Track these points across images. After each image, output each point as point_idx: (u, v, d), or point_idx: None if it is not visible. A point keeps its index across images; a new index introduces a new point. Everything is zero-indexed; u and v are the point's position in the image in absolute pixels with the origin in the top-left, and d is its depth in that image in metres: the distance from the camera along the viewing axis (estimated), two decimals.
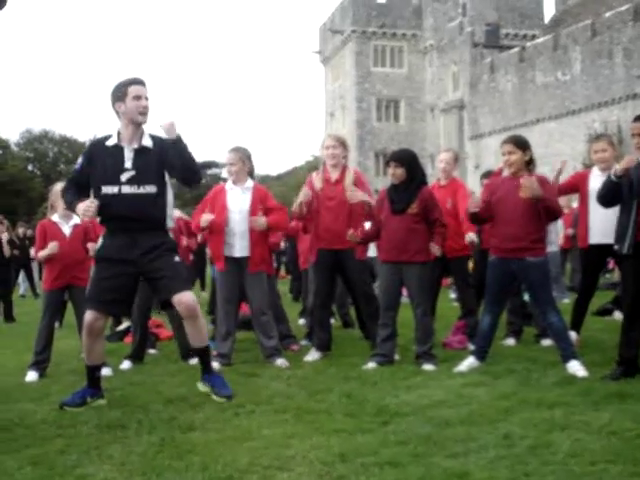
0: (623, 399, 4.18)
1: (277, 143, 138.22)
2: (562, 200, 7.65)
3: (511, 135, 5.67)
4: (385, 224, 5.70)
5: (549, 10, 53.47)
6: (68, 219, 6.07)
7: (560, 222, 9.11)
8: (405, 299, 5.92)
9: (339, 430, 3.75)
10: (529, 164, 5.32)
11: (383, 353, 5.65)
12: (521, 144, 5.31)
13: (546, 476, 2.97)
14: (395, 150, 6.09)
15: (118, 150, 4.54)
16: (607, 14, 33.64)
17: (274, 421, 4.01)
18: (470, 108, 43.29)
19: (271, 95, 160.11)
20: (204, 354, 4.73)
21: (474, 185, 26.47)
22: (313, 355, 6.12)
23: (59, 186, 6.20)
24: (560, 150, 35.87)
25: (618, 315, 7.58)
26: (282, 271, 17.00)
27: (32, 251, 10.82)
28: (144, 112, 4.51)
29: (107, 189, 4.49)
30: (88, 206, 4.39)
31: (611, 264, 11.45)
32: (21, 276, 16.69)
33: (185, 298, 4.45)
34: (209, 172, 61.07)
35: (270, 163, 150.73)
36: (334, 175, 6.09)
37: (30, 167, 64.06)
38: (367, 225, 6.07)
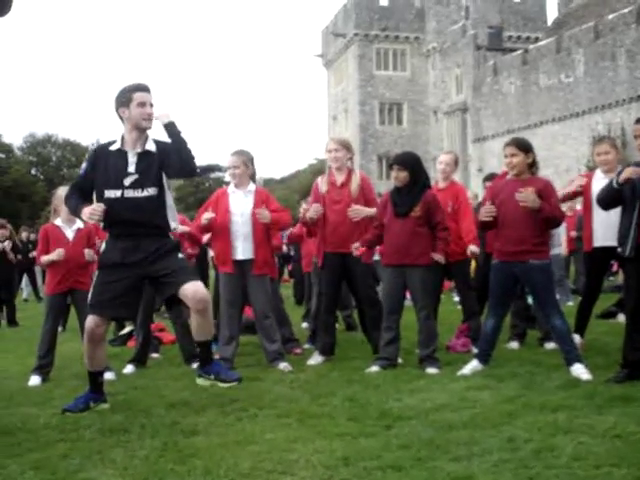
0: (627, 402, 4.16)
1: (280, 147, 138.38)
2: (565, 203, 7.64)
3: (513, 137, 5.67)
4: (388, 227, 5.69)
5: (552, 12, 53.50)
6: (71, 223, 6.08)
7: (563, 225, 9.09)
8: (408, 302, 5.91)
9: (342, 434, 3.74)
10: (532, 166, 5.31)
11: (386, 357, 5.64)
12: (523, 146, 5.30)
13: None
14: (398, 153, 6.09)
15: (122, 154, 4.54)
16: (610, 16, 33.64)
17: (277, 425, 4.00)
18: (473, 111, 43.29)
19: (274, 99, 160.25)
20: (205, 347, 4.63)
21: (477, 188, 26.47)
22: (316, 359, 6.11)
23: (62, 190, 6.21)
24: (564, 153, 35.90)
25: (622, 318, 7.56)
26: (285, 275, 16.99)
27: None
28: (148, 119, 4.50)
29: (110, 193, 4.48)
30: (94, 210, 4.38)
31: (615, 267, 11.42)
32: (24, 280, 16.70)
33: (195, 288, 4.37)
34: (212, 176, 61.14)
35: (273, 167, 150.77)
36: (340, 178, 6.09)
37: (33, 171, 64.21)
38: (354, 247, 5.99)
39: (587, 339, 6.18)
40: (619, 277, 11.97)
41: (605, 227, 5.78)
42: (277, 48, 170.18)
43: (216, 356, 5.69)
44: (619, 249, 5.02)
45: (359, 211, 5.91)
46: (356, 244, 5.79)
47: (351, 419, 4.06)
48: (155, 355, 6.85)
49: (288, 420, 4.10)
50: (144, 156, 4.52)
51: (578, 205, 9.61)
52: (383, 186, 35.33)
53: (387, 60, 48.55)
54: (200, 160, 4.57)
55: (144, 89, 4.52)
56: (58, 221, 6.09)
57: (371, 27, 47.89)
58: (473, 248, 6.36)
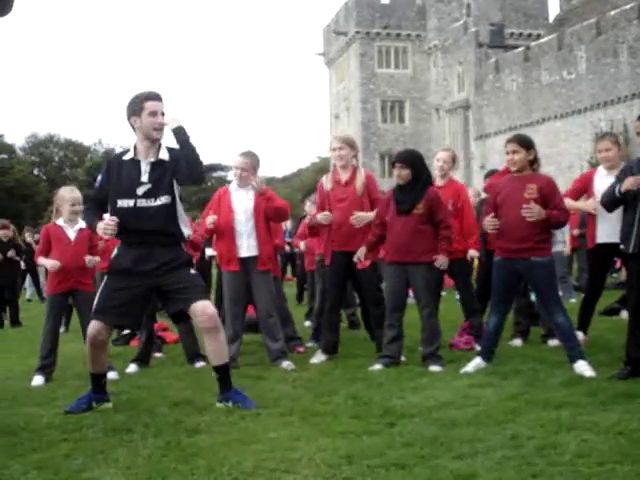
0: (631, 399, 4.15)
1: (282, 145, 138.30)
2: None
3: (515, 134, 5.65)
4: (391, 225, 5.68)
5: (554, 9, 53.48)
6: (73, 223, 6.07)
7: None
8: (411, 300, 5.90)
9: (345, 432, 3.74)
10: (533, 163, 5.30)
11: (389, 354, 5.63)
12: (525, 143, 5.29)
13: (554, 477, 2.95)
14: (400, 151, 6.09)
15: (135, 164, 4.50)
16: (612, 12, 33.61)
17: (280, 424, 4.00)
18: (475, 108, 43.27)
19: (275, 97, 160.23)
20: (224, 372, 4.50)
21: (480, 185, 26.43)
22: (319, 357, 6.11)
23: (64, 190, 6.22)
24: (566, 149, 35.87)
25: (625, 315, 7.54)
26: (288, 273, 16.99)
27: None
28: (160, 128, 4.46)
29: (123, 203, 4.44)
30: (107, 224, 4.35)
31: (618, 263, 11.41)
32: (27, 281, 16.72)
33: (204, 306, 4.35)
34: (214, 175, 61.18)
35: (275, 165, 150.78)
36: (344, 176, 6.09)
37: (36, 171, 64.36)
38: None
39: (590, 336, 6.18)
40: (622, 274, 11.95)
41: (608, 224, 5.77)
42: (278, 47, 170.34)
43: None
44: (622, 246, 5.02)
45: (362, 218, 5.91)
46: (359, 255, 5.77)
47: (354, 417, 4.06)
48: (158, 354, 6.85)
49: (291, 418, 4.10)
50: (157, 165, 4.49)
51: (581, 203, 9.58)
52: (385, 184, 35.26)
53: (389, 58, 48.51)
54: (202, 159, 4.55)
55: (155, 98, 4.47)
56: (60, 221, 6.09)
57: (372, 25, 47.86)
58: (473, 252, 6.55)
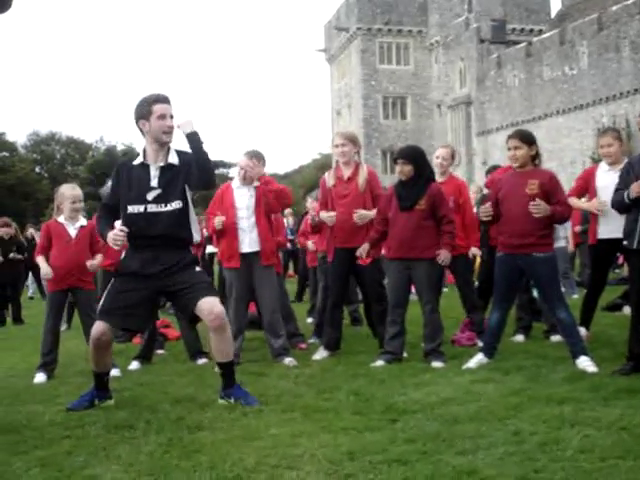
0: (633, 394, 4.15)
1: (283, 142, 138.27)
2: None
3: (516, 130, 5.64)
4: (393, 221, 5.67)
5: (555, 4, 53.41)
6: (74, 221, 6.06)
7: None
8: (414, 296, 5.90)
9: (347, 428, 3.74)
10: (535, 159, 5.29)
11: (391, 351, 5.63)
12: (527, 139, 5.28)
13: (556, 472, 2.95)
14: (402, 147, 6.09)
15: (144, 168, 4.47)
16: (614, 8, 33.53)
17: (282, 420, 4.00)
18: (477, 104, 43.20)
19: (277, 94, 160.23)
20: (229, 369, 4.51)
21: (482, 181, 26.39)
22: (321, 353, 6.11)
23: (65, 187, 6.22)
24: (568, 145, 35.83)
25: (628, 310, 7.53)
26: (290, 270, 16.99)
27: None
28: (169, 132, 4.42)
29: (133, 208, 4.42)
30: (116, 235, 4.33)
31: (621, 259, 11.39)
32: (29, 278, 16.74)
33: (211, 304, 4.33)
34: (216, 172, 61.15)
35: (277, 162, 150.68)
36: (347, 173, 6.09)
37: (37, 169, 64.43)
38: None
39: (593, 331, 6.17)
40: (624, 269, 11.94)
41: (610, 220, 5.76)
42: (280, 43, 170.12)
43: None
44: (625, 242, 5.00)
45: (364, 215, 5.90)
46: (362, 251, 5.77)
47: (356, 413, 4.06)
48: (160, 351, 6.85)
49: (293, 415, 4.10)
50: (167, 170, 4.45)
51: (584, 199, 9.56)
52: (387, 180, 35.29)
53: (390, 54, 48.44)
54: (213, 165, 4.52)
55: (164, 100, 4.43)
56: (61, 218, 6.08)
57: (374, 21, 47.79)
58: (475, 250, 6.61)
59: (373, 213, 5.91)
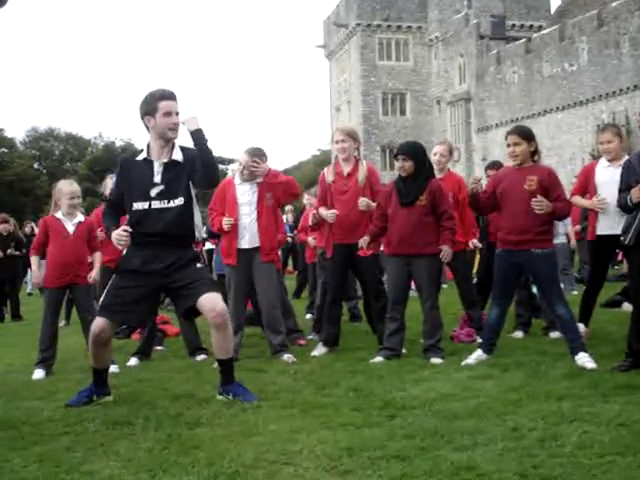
0: (632, 391, 4.14)
1: (283, 138, 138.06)
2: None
3: (515, 126, 5.64)
4: (393, 217, 5.67)
5: (555, 1, 53.39)
6: (72, 217, 6.05)
7: None
8: (413, 293, 5.90)
9: (346, 424, 3.73)
10: (534, 155, 5.28)
11: (390, 347, 5.62)
12: (526, 135, 5.27)
13: (554, 468, 2.95)
14: (403, 143, 6.07)
15: (147, 164, 4.46)
16: (613, 4, 33.51)
17: (281, 416, 4.00)
18: (477, 100, 43.19)
19: (276, 90, 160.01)
20: (228, 365, 4.51)
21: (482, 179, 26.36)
22: (320, 350, 6.10)
23: (63, 183, 6.20)
24: (568, 141, 35.83)
25: (627, 307, 7.54)
26: (289, 266, 17.00)
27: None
28: (174, 128, 4.40)
29: (138, 205, 4.40)
30: (119, 235, 4.32)
31: (620, 255, 11.39)
32: (28, 274, 16.73)
33: (213, 301, 4.31)
34: None
35: (276, 158, 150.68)
36: (346, 169, 6.08)
37: (36, 165, 64.35)
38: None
39: (592, 328, 6.17)
40: (624, 266, 11.94)
41: (609, 216, 5.76)
42: (279, 39, 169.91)
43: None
44: (622, 238, 5.00)
45: (369, 204, 5.88)
46: (362, 242, 5.76)
47: (355, 409, 4.05)
48: (159, 348, 6.85)
49: (292, 411, 4.09)
50: (171, 166, 4.44)
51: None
52: (387, 177, 35.28)
53: (390, 50, 48.40)
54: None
55: (170, 97, 4.40)
56: (59, 214, 6.07)
57: (373, 17, 47.73)
58: (475, 242, 6.65)
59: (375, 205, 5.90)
